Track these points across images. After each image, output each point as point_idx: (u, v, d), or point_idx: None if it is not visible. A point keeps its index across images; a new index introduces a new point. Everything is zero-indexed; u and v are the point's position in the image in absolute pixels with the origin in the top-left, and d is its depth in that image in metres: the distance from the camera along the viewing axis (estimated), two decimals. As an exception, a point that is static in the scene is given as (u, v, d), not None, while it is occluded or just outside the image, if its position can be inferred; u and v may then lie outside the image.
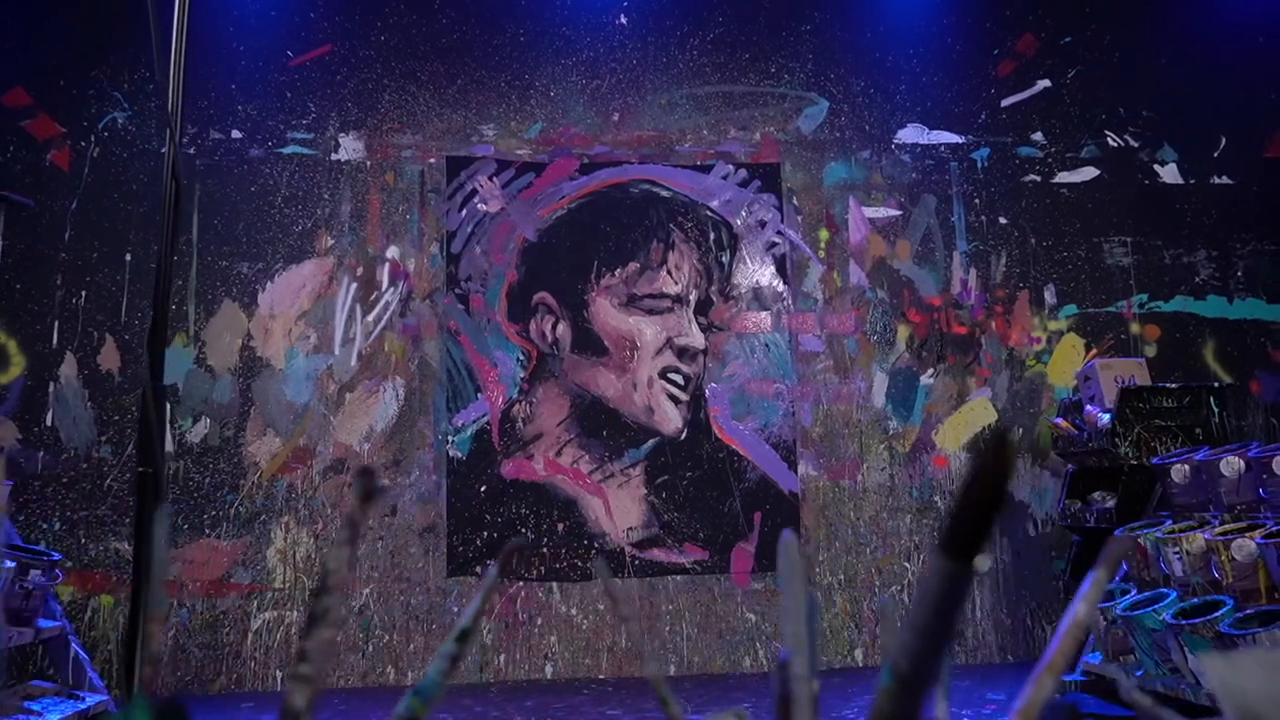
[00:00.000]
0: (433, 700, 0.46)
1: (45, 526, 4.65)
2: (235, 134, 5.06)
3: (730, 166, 5.28)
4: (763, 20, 5.40)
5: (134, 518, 1.30)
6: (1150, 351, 5.29)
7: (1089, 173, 5.45)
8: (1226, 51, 5.53)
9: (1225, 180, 5.52)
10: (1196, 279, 5.43)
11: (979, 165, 5.40)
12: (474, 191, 5.13)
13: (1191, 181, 5.51)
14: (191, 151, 5.03)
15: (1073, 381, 5.06)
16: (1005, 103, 5.47)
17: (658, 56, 5.35)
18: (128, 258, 4.91)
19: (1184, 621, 3.17)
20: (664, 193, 5.22)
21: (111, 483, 4.73)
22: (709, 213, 5.22)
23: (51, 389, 4.77)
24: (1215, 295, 5.42)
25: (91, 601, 4.63)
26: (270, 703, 4.41)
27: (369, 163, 5.12)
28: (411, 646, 4.74)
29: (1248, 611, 3.07)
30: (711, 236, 5.20)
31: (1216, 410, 4.13)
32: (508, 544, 0.52)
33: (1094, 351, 5.24)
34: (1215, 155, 5.54)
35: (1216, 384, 4.28)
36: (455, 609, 4.78)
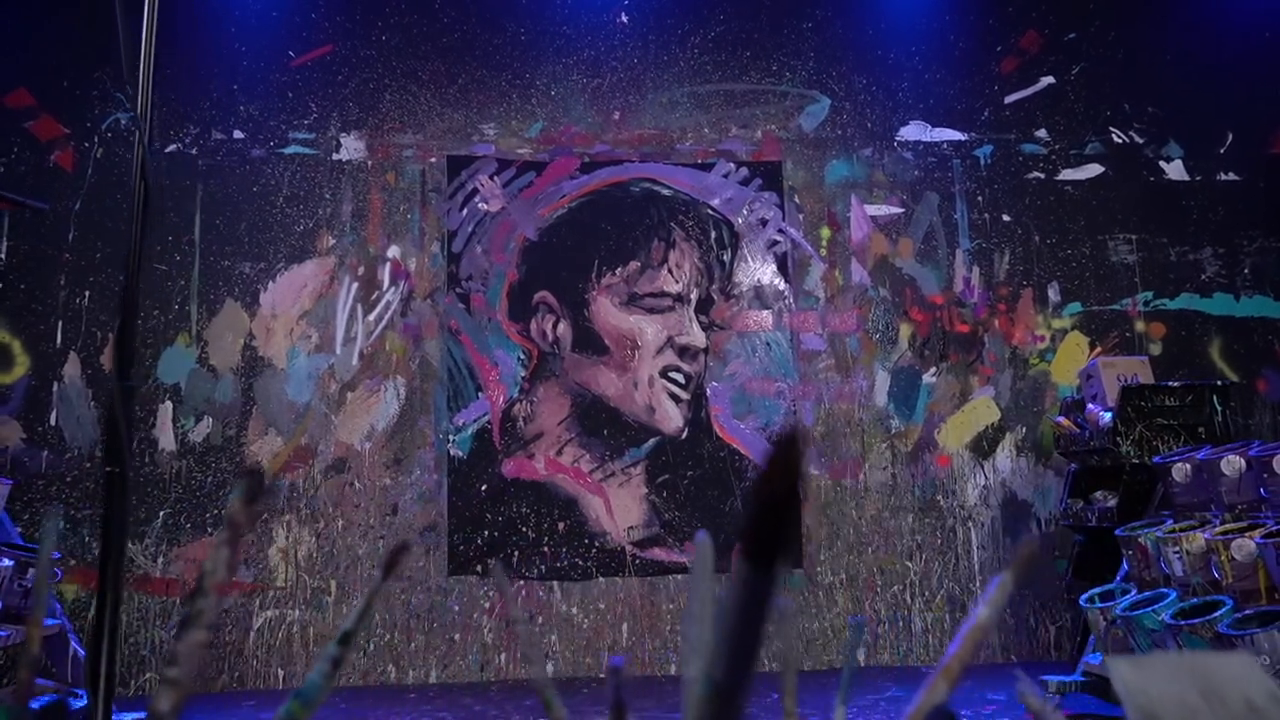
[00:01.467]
0: (314, 703, 0.45)
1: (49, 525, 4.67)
2: (237, 134, 5.08)
3: (731, 165, 5.27)
4: (764, 18, 5.38)
5: (102, 518, 1.31)
6: (1155, 350, 5.25)
7: (1093, 169, 5.42)
8: (1233, 46, 5.48)
9: (1232, 176, 5.47)
10: (1203, 276, 5.39)
11: (982, 162, 5.37)
12: (475, 191, 5.14)
13: (1197, 178, 5.46)
14: (194, 152, 5.05)
15: (1076, 380, 5.03)
16: (1009, 99, 5.44)
17: (659, 55, 5.34)
18: (131, 258, 4.92)
19: (1183, 622, 3.14)
20: (665, 191, 5.21)
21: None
22: (710, 211, 5.21)
23: (55, 389, 4.80)
24: (1222, 293, 5.38)
25: (95, 600, 4.65)
26: (273, 701, 4.43)
27: (370, 162, 5.13)
28: (412, 645, 4.75)
29: (1247, 612, 3.04)
30: (712, 235, 5.19)
31: (1220, 409, 4.09)
32: (394, 545, 0.52)
33: (1098, 350, 5.21)
34: (1221, 151, 5.49)
35: (1219, 382, 4.24)
36: (456, 608, 4.79)
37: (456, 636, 4.77)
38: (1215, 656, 0.54)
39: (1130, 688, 0.54)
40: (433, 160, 5.16)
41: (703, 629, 0.51)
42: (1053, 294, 5.30)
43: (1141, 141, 5.47)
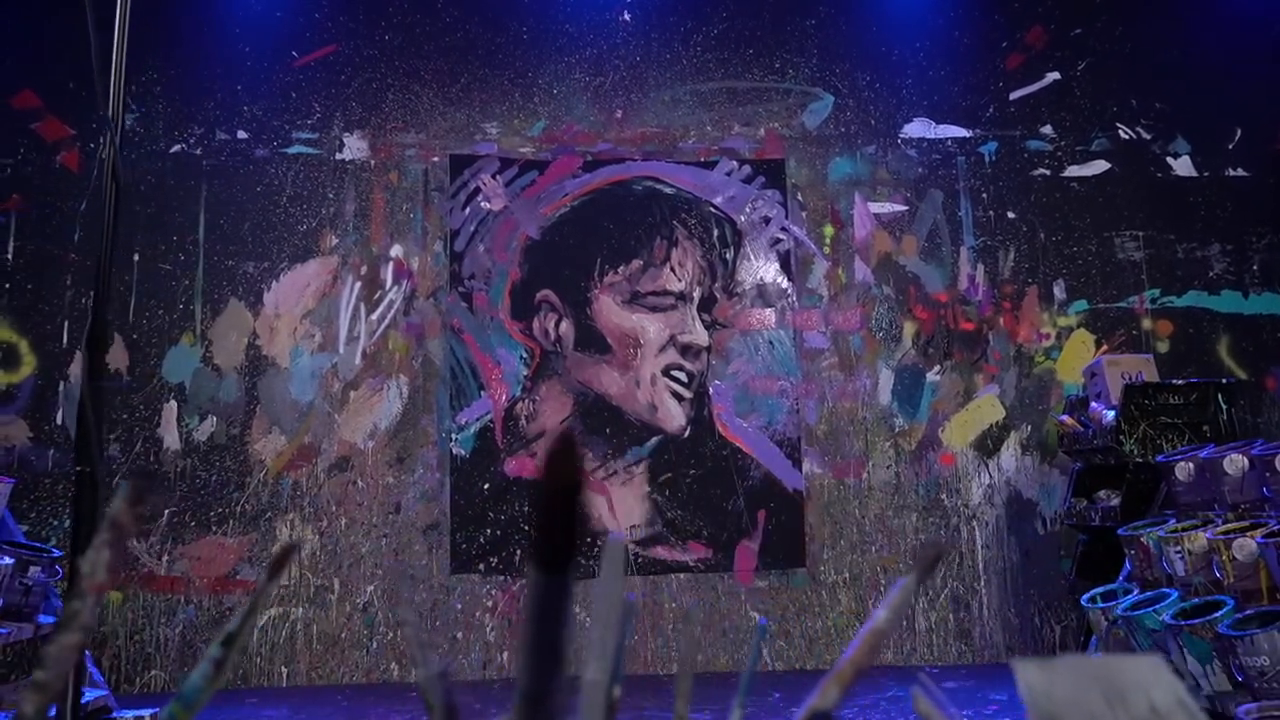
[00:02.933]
0: (196, 705, 0.45)
1: (55, 523, 4.71)
2: (241, 134, 5.10)
3: (734, 163, 5.26)
4: (767, 15, 5.36)
5: (72, 517, 1.31)
6: (1163, 347, 5.21)
7: (1099, 166, 5.38)
8: (1241, 41, 5.43)
9: (1240, 172, 5.42)
10: (1211, 273, 5.34)
11: (986, 159, 5.34)
12: (477, 190, 5.14)
13: (1205, 174, 5.41)
14: (198, 152, 5.08)
15: (1082, 378, 4.99)
16: (1014, 96, 5.40)
17: (661, 53, 5.33)
18: (135, 258, 4.97)
19: (1183, 622, 3.12)
20: (667, 190, 5.20)
21: (120, 480, 4.78)
22: (713, 209, 5.20)
23: (61, 388, 4.83)
24: (1230, 290, 5.33)
25: (100, 598, 4.68)
26: (275, 698, 4.45)
27: (373, 162, 5.14)
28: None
29: (1247, 612, 3.01)
30: (715, 233, 5.18)
31: (1225, 407, 4.05)
32: (281, 546, 0.52)
33: (1104, 347, 5.17)
34: (1230, 147, 5.44)
35: (1224, 380, 4.20)
36: (459, 606, 4.80)
37: (459, 634, 4.78)
38: (1124, 659, 0.53)
39: (1033, 690, 0.53)
40: (435, 159, 5.17)
41: (604, 631, 0.51)
42: (1058, 291, 5.26)
43: (1148, 138, 5.43)
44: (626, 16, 5.32)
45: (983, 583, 4.99)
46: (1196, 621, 3.08)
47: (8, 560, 3.18)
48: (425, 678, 0.47)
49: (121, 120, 1.65)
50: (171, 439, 4.85)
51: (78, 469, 1.31)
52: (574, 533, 0.36)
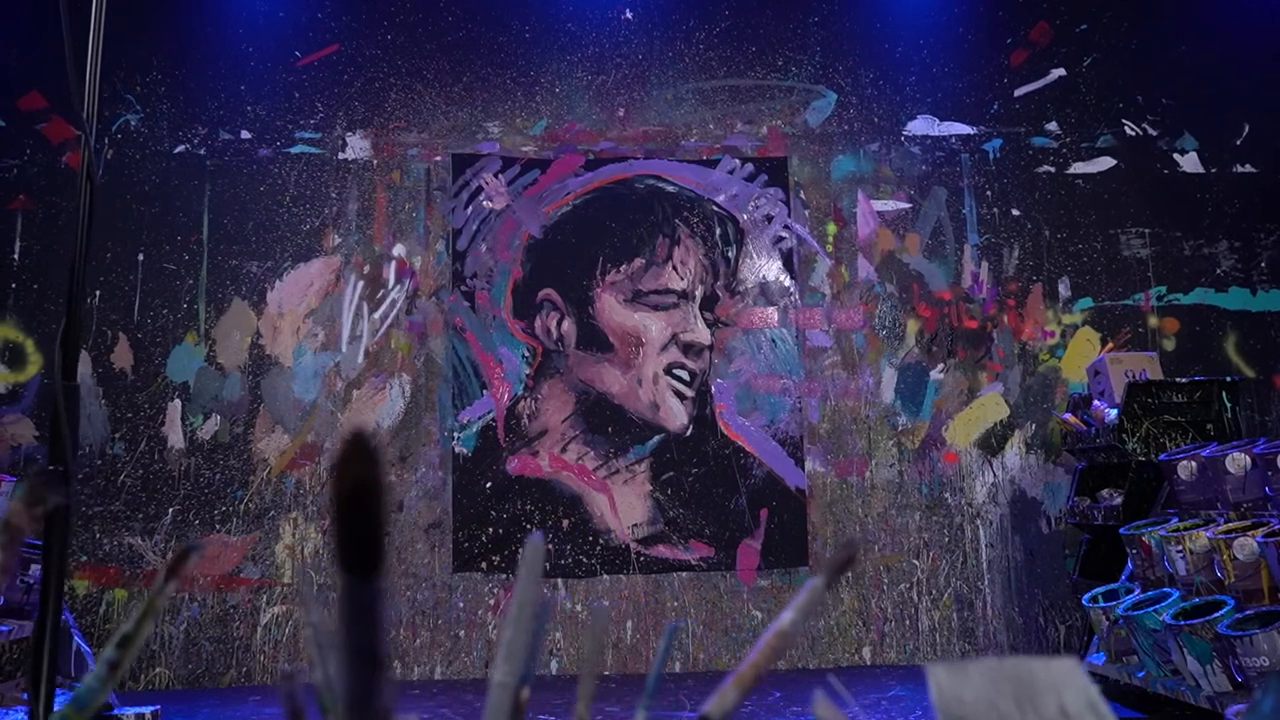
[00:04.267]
0: (90, 707, 0.45)
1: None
2: (244, 134, 5.12)
3: (737, 161, 5.24)
4: (769, 13, 5.34)
5: (46, 516, 1.32)
6: (1169, 345, 5.17)
7: (1105, 163, 5.34)
8: (1248, 36, 5.38)
9: (1248, 168, 5.37)
10: (1218, 270, 5.29)
11: (991, 156, 5.31)
12: (479, 189, 5.15)
13: (1213, 170, 5.37)
14: (202, 152, 5.10)
15: (1086, 376, 4.96)
16: (1018, 92, 5.37)
17: (663, 51, 5.33)
18: (140, 258, 4.99)
19: (1183, 622, 3.09)
20: (669, 188, 5.20)
21: (125, 479, 4.82)
22: (715, 207, 5.19)
23: (67, 387, 4.85)
24: (1238, 287, 5.28)
25: (106, 595, 4.72)
26: (278, 696, 4.46)
27: (375, 161, 5.15)
28: (418, 641, 4.77)
29: (1247, 612, 2.99)
30: (717, 231, 5.17)
31: (1229, 405, 4.02)
32: (180, 546, 0.52)
33: (1110, 345, 5.13)
34: (1238, 143, 5.39)
35: (1228, 378, 4.17)
36: (461, 604, 4.81)
37: (461, 633, 4.79)
38: (1039, 661, 0.53)
39: (943, 693, 0.52)
40: (438, 159, 5.17)
41: (515, 633, 0.50)
42: (1063, 289, 5.23)
43: (1155, 134, 5.38)
44: (628, 15, 5.31)
45: (986, 582, 4.96)
46: (1197, 621, 3.05)
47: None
48: (321, 682, 0.46)
49: (95, 122, 1.64)
50: (176, 438, 4.87)
51: (49, 467, 1.32)
52: (377, 534, 0.35)
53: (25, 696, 3.27)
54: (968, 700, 0.51)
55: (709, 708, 0.44)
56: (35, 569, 3.32)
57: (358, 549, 0.36)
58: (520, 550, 4.79)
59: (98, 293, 4.95)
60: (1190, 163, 5.36)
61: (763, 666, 0.46)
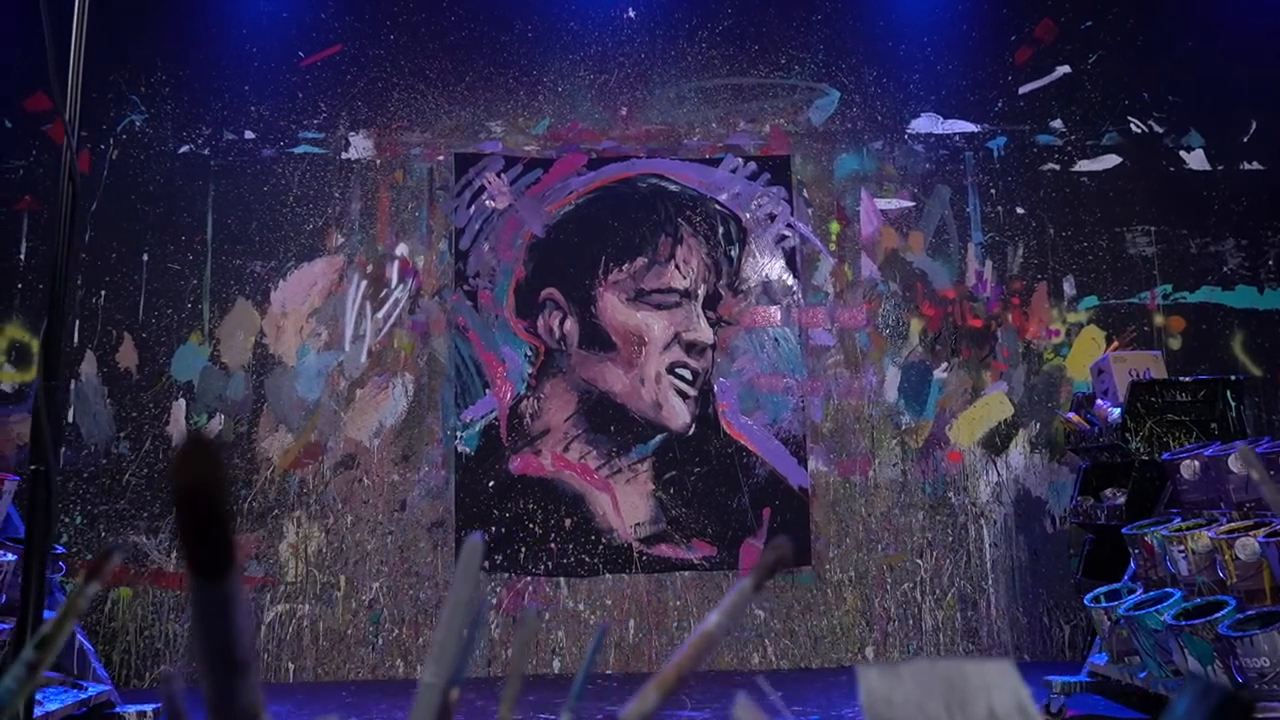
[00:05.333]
0: (8, 707, 0.45)
1: (66, 520, 4.77)
2: (248, 134, 5.14)
3: (739, 160, 5.23)
4: (772, 10, 5.33)
5: (27, 515, 1.32)
6: (1175, 344, 5.14)
7: (1111, 160, 5.31)
8: (1256, 31, 5.34)
9: (1255, 166, 5.33)
10: (1224, 268, 5.25)
11: (995, 154, 5.29)
12: (482, 188, 5.15)
13: (1219, 167, 5.33)
14: (206, 153, 5.13)
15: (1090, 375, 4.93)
16: (1023, 90, 5.34)
17: (666, 50, 5.32)
18: (145, 258, 5.02)
19: (1184, 623, 3.07)
20: (672, 187, 5.19)
21: (130, 478, 4.84)
22: (718, 206, 5.18)
23: (73, 387, 4.89)
24: (1244, 285, 5.24)
25: (111, 593, 4.75)
26: (282, 695, 4.48)
27: (378, 161, 5.16)
28: (420, 640, 4.78)
29: (1249, 613, 2.97)
30: (720, 230, 5.16)
31: (1233, 404, 3.99)
32: (101, 549, 0.51)
33: (1115, 344, 5.10)
34: (1245, 140, 5.35)
35: (1233, 377, 4.14)
36: (463, 603, 4.81)
37: (463, 631, 4.78)
38: (972, 664, 0.52)
39: (871, 695, 0.52)
40: (440, 158, 5.18)
41: (447, 634, 0.50)
42: (1068, 287, 5.20)
43: (1161, 131, 5.35)
44: (631, 13, 5.31)
45: (990, 581, 4.94)
46: (1198, 622, 3.03)
47: (10, 556, 3.22)
48: (242, 683, 0.46)
49: (77, 124, 1.65)
50: (180, 437, 4.89)
51: (32, 467, 1.32)
52: (225, 535, 0.35)
53: (27, 694, 3.29)
54: (896, 702, 0.51)
55: (627, 710, 0.44)
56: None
57: (205, 551, 0.36)
58: (524, 549, 4.80)
59: (103, 293, 4.98)
60: (1197, 160, 5.33)
61: (686, 668, 0.45)
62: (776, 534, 4.94)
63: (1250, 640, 2.81)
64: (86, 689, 3.42)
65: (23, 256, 4.98)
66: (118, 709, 3.55)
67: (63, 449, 4.83)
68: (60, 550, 3.58)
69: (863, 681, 0.53)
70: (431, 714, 0.46)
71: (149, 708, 3.59)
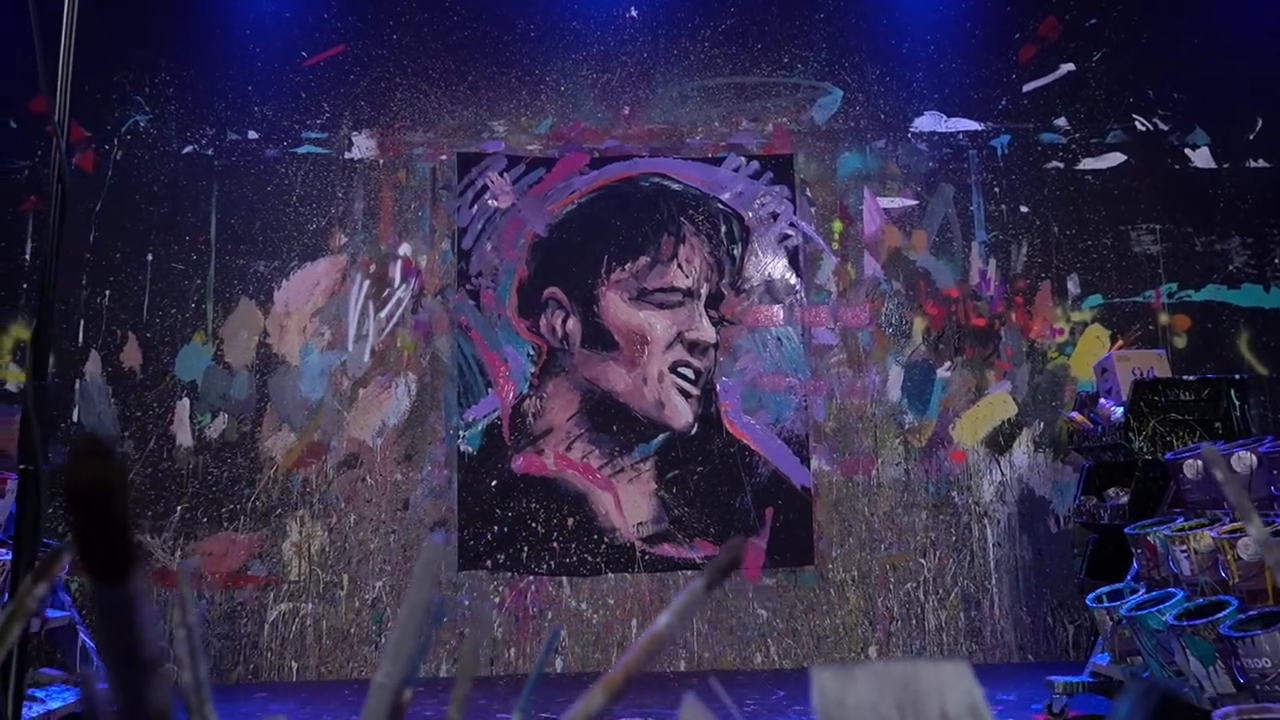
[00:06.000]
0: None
1: (72, 519, 4.78)
2: (252, 135, 5.15)
3: (742, 159, 5.23)
4: (775, 9, 5.32)
5: (16, 515, 1.33)
6: (1180, 342, 5.11)
7: (1115, 158, 5.28)
8: (1261, 29, 5.31)
9: (1261, 163, 5.30)
10: (1230, 267, 5.23)
11: (999, 152, 5.27)
12: (485, 188, 5.16)
13: (1225, 165, 5.30)
14: (210, 153, 5.14)
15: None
16: (1027, 88, 5.33)
17: (669, 49, 5.32)
18: (149, 258, 5.04)
19: (1185, 623, 3.06)
20: (675, 186, 5.19)
21: (134, 477, 4.86)
22: (720, 205, 5.18)
23: (78, 386, 4.91)
24: (1250, 284, 5.22)
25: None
26: (285, 693, 4.50)
27: (381, 160, 5.17)
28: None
29: (1250, 613, 2.95)
30: (723, 229, 5.15)
31: (1238, 403, 3.97)
32: (51, 550, 0.52)
33: (1119, 343, 5.08)
34: (1251, 138, 5.32)
35: (1237, 376, 4.11)
36: (466, 602, 4.82)
37: (466, 631, 4.80)
38: (927, 665, 0.52)
39: (824, 697, 0.52)
40: (443, 158, 5.19)
41: (401, 635, 0.50)
42: (1072, 286, 5.19)
43: (1166, 129, 5.33)
44: (634, 13, 5.31)
45: (994, 581, 4.93)
46: (1199, 622, 3.02)
47: (10, 555, 3.23)
48: (185, 682, 0.46)
49: (66, 125, 1.65)
50: (184, 436, 4.91)
51: (20, 467, 1.33)
52: (123, 536, 0.35)
53: (32, 692, 3.30)
54: (849, 704, 0.51)
55: (577, 709, 0.44)
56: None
57: (103, 553, 0.35)
58: (527, 548, 4.80)
59: (107, 292, 5.00)
60: (1202, 158, 5.30)
61: (634, 669, 0.45)
62: (780, 533, 4.93)
63: (1252, 641, 2.80)
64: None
65: (28, 257, 5.00)
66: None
67: (65, 448, 4.85)
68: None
69: (816, 683, 0.53)
70: (384, 714, 0.46)
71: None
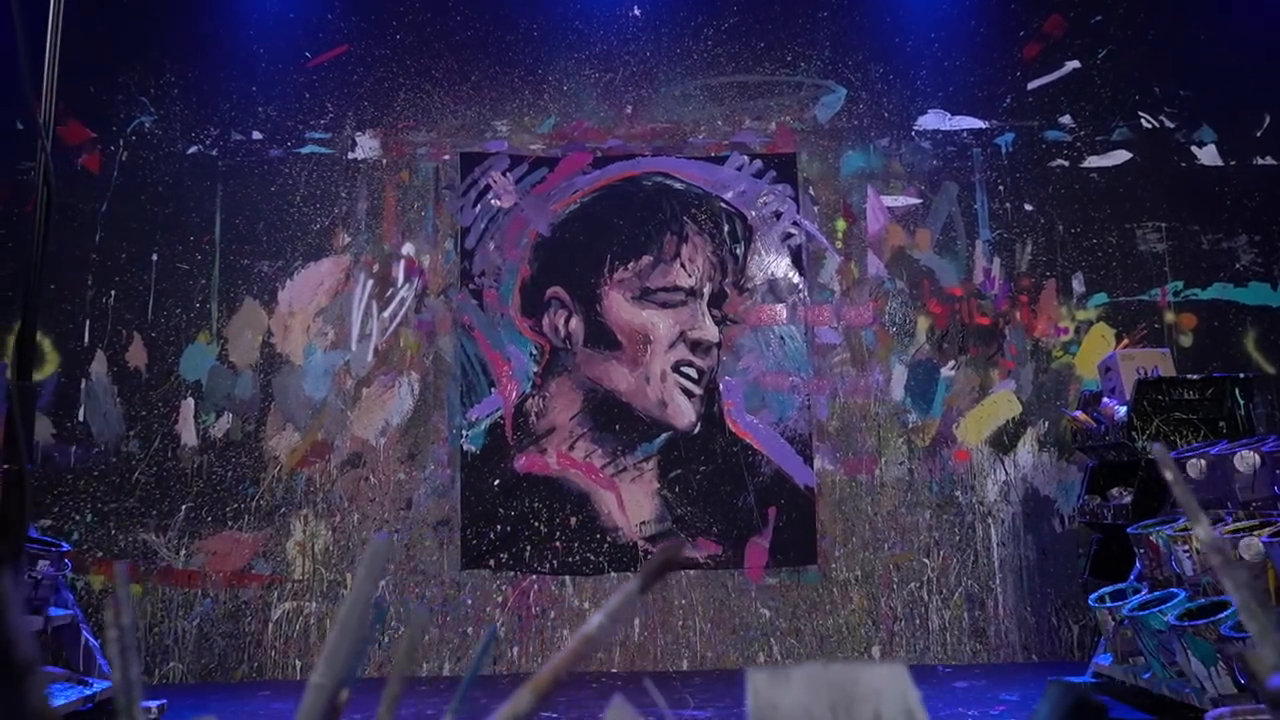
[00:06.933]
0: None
1: (78, 518, 4.82)
2: (256, 135, 5.17)
3: (745, 157, 5.22)
4: (778, 8, 5.31)
5: (1, 517, 1.34)
6: (1186, 341, 5.08)
7: (1120, 156, 5.25)
8: (1269, 25, 5.27)
9: (1269, 161, 5.26)
10: (1237, 265, 5.19)
11: (1003, 151, 5.24)
12: (487, 187, 5.16)
13: (1232, 163, 5.26)
14: (215, 153, 5.16)
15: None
16: (1031, 85, 5.30)
17: (671, 48, 5.31)
18: (154, 258, 5.06)
19: (1187, 623, 3.04)
20: (677, 185, 5.18)
21: (139, 476, 4.88)
22: (723, 204, 5.17)
23: (83, 385, 4.94)
24: (1258, 282, 5.18)
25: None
26: (288, 691, 4.51)
27: (385, 161, 5.18)
28: (426, 638, 4.79)
29: (1252, 613, 2.93)
30: (726, 228, 5.15)
31: (1242, 402, 3.94)
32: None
33: (1125, 341, 5.06)
34: (1258, 135, 5.28)
35: (1242, 375, 4.08)
36: (469, 601, 4.83)
37: (469, 630, 4.81)
38: (863, 667, 0.52)
39: (758, 698, 0.52)
40: (446, 158, 5.20)
41: (340, 635, 0.50)
42: (1077, 285, 5.16)
43: (1172, 126, 5.29)
44: (636, 11, 5.30)
45: (998, 581, 4.91)
46: (1201, 623, 3.00)
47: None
48: (119, 683, 0.46)
49: (51, 128, 1.66)
50: (189, 435, 4.93)
51: (4, 466, 1.33)
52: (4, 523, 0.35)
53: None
54: (783, 706, 0.51)
55: (506, 710, 0.44)
56: (43, 565, 3.38)
57: None
58: (530, 547, 4.80)
59: (113, 292, 5.03)
60: (1209, 155, 5.27)
61: (563, 670, 0.45)
62: (783, 533, 4.92)
63: (1252, 642, 2.78)
64: (91, 685, 3.46)
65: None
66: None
67: (73, 447, 4.88)
68: (67, 548, 3.61)
69: (750, 684, 0.53)
70: (319, 715, 0.46)
71: (153, 704, 3.62)
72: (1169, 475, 0.79)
